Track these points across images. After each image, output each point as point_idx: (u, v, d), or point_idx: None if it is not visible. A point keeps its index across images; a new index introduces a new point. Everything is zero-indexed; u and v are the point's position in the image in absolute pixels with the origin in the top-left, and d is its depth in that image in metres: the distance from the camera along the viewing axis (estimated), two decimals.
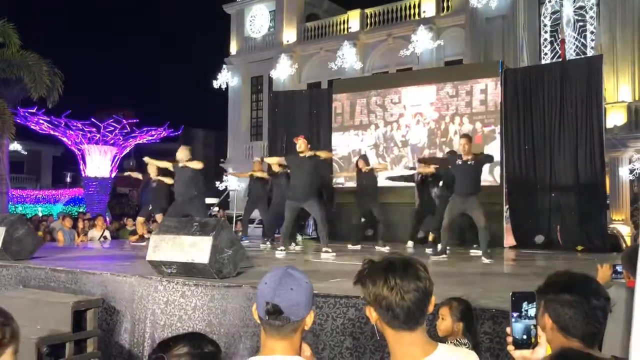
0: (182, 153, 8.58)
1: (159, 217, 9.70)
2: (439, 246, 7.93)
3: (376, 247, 8.89)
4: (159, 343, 1.46)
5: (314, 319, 1.77)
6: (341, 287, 4.44)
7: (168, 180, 9.63)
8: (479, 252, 7.78)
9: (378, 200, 9.33)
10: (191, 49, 62.68)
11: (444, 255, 7.84)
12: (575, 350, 1.37)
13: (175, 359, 1.38)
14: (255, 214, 10.96)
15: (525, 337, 1.59)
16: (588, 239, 9.14)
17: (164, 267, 5.21)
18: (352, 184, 10.15)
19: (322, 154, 8.45)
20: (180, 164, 8.56)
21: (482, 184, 9.03)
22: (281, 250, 8.22)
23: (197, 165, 8.58)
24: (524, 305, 1.59)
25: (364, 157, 9.69)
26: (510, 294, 1.61)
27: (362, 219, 9.68)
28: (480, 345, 3.10)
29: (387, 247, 8.81)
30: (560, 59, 16.16)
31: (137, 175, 10.20)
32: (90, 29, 71.97)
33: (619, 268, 3.35)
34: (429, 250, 8.25)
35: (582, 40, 17.70)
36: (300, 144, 8.17)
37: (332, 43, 23.38)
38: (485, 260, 7.34)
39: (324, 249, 8.06)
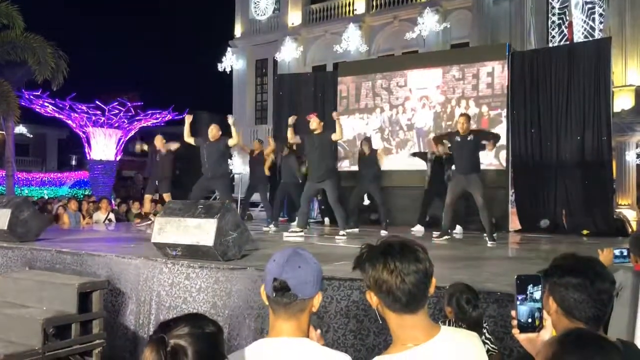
0: (214, 131, 8.48)
1: (166, 196, 9.68)
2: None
3: (381, 232, 8.80)
4: (160, 324, 1.46)
5: None
6: (346, 269, 4.44)
7: (173, 146, 9.61)
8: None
9: (378, 184, 9.18)
10: (196, 31, 62.35)
11: (447, 237, 7.83)
12: (584, 330, 1.36)
13: (176, 339, 1.38)
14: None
15: (530, 320, 1.57)
16: (594, 223, 9.10)
17: (169, 249, 5.23)
18: (356, 167, 10.05)
19: (338, 132, 8.26)
20: (213, 139, 8.41)
21: (488, 167, 8.97)
22: (294, 232, 8.14)
23: (234, 139, 8.49)
24: (529, 288, 1.58)
25: (367, 140, 9.53)
26: (515, 277, 1.60)
27: (367, 202, 9.64)
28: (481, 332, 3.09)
29: (386, 232, 8.59)
30: (568, 42, 15.98)
31: (143, 146, 10.23)
32: (94, 11, 71.63)
33: (617, 252, 3.33)
34: (435, 234, 8.24)
35: (591, 22, 17.49)
36: (313, 122, 8.12)
37: (337, 25, 23.19)
38: (489, 243, 7.34)
39: (340, 232, 8.03)
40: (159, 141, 9.90)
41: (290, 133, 8.44)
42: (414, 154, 10.17)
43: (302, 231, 8.23)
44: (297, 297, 1.66)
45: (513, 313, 1.59)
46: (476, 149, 7.66)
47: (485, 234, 7.71)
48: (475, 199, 7.55)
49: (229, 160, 8.81)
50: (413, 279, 1.53)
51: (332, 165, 8.33)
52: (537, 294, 1.57)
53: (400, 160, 11.21)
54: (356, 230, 8.82)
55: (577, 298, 1.69)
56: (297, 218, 8.57)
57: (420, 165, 10.09)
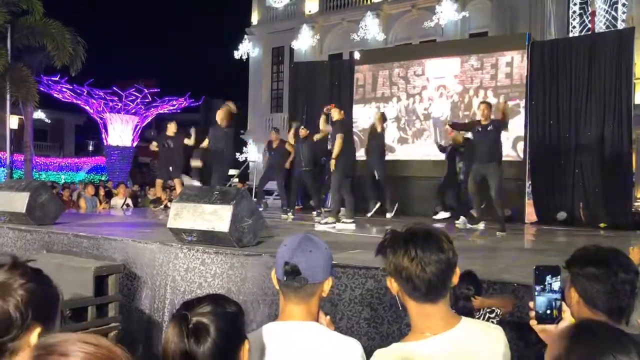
0: (221, 113, 8.96)
1: (177, 182, 9.83)
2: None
3: (387, 215, 8.83)
4: (184, 302, 1.51)
5: (332, 289, 1.76)
6: (360, 258, 4.44)
7: (188, 141, 9.84)
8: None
9: (383, 164, 9.18)
10: (213, 18, 62.35)
11: (483, 222, 7.89)
12: (598, 321, 1.32)
13: (199, 317, 1.42)
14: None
15: (548, 311, 1.54)
16: (612, 217, 8.98)
17: (185, 235, 5.25)
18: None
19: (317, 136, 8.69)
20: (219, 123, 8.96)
21: (505, 159, 8.90)
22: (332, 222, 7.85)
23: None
24: (548, 278, 1.55)
25: (383, 116, 9.44)
26: (534, 267, 1.57)
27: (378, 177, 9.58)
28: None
29: (391, 214, 8.68)
30: (589, 32, 15.71)
31: (155, 147, 10.40)
32: None
33: None
34: (459, 223, 8.23)
35: (613, 12, 17.16)
36: (334, 112, 8.19)
37: (354, 13, 22.99)
38: (499, 233, 7.30)
39: (322, 220, 8.13)
40: (171, 128, 10.02)
41: (323, 122, 8.72)
42: (440, 148, 9.97)
43: (335, 222, 7.87)
44: (308, 281, 1.66)
45: (531, 304, 1.57)
46: (497, 138, 7.62)
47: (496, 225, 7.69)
48: (490, 186, 7.53)
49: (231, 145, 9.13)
50: (434, 268, 1.51)
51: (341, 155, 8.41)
52: (556, 285, 1.55)
53: (416, 150, 11.15)
54: (352, 223, 8.27)
55: (599, 289, 1.67)
56: (346, 210, 8.15)
57: (437, 155, 10.02)
